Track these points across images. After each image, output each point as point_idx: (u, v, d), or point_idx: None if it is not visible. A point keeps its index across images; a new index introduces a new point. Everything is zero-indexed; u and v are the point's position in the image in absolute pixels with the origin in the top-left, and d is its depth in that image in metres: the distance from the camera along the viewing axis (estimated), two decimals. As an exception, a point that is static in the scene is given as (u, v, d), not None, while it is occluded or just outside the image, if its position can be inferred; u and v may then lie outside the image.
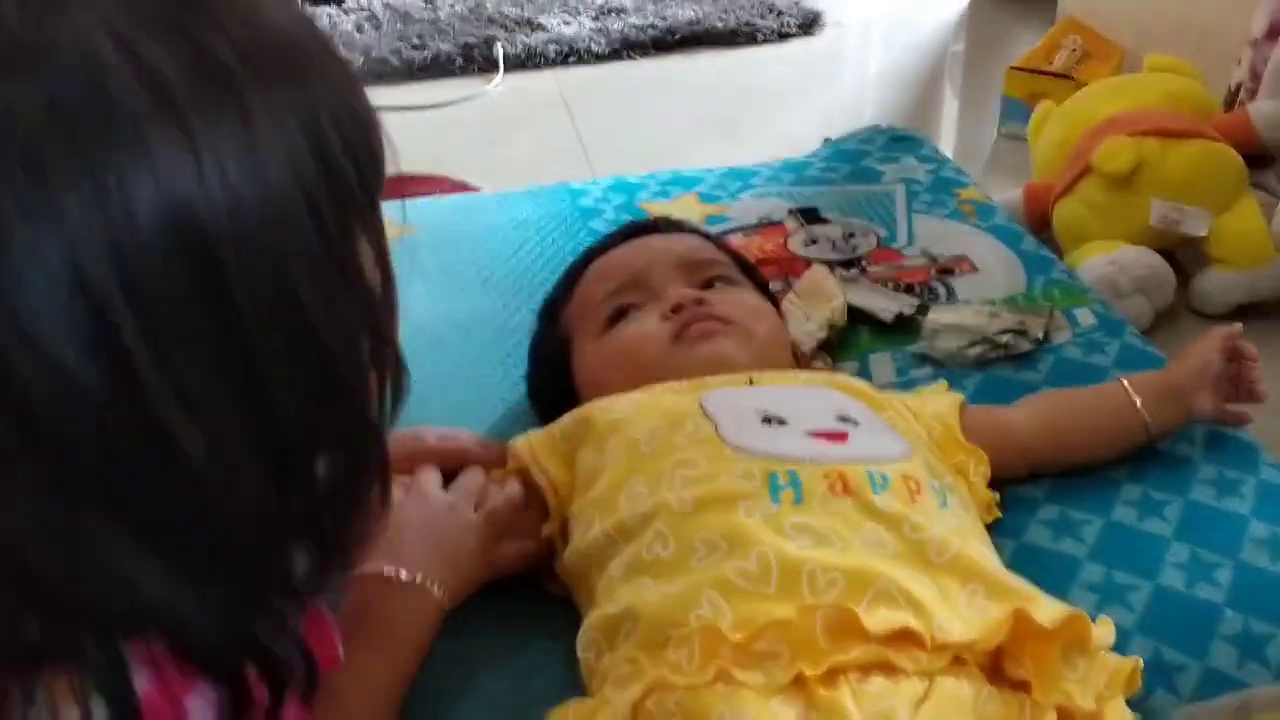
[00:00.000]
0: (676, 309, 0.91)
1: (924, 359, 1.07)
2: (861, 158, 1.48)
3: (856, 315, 1.12)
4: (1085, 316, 1.13)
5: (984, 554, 0.73)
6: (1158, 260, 1.28)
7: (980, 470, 0.86)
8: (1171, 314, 1.31)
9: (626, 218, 1.35)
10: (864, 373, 1.06)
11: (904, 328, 1.11)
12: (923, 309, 1.12)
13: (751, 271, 1.05)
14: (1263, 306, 1.30)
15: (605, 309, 0.96)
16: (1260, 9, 1.56)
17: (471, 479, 0.86)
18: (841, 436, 0.79)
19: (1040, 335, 1.08)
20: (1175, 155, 1.32)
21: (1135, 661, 0.71)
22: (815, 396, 0.86)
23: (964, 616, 0.67)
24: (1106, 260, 1.27)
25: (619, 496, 0.76)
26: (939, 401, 0.92)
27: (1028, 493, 0.91)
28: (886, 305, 1.12)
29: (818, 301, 1.11)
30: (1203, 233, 1.29)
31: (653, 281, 0.95)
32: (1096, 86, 1.58)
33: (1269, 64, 1.46)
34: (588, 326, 0.97)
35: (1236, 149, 1.36)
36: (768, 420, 0.79)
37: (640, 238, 1.03)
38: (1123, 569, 0.84)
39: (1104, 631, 0.71)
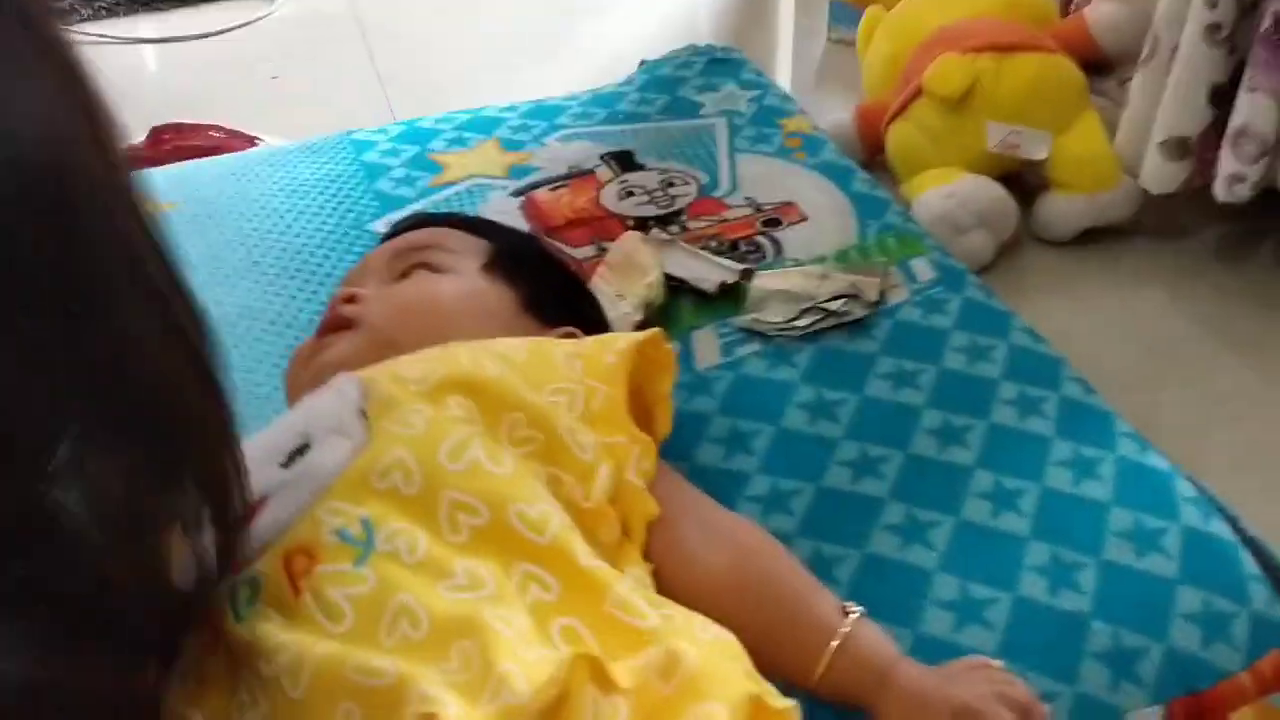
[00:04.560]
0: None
1: (751, 333, 0.96)
2: (678, 86, 1.35)
3: (675, 285, 1.00)
4: (923, 269, 1.03)
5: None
6: (999, 190, 1.18)
7: (643, 466, 0.64)
8: (1013, 242, 1.23)
9: (419, 175, 1.20)
10: (686, 354, 0.94)
11: (729, 296, 1.00)
12: (747, 273, 1.01)
13: (514, 249, 0.86)
14: (1107, 230, 1.23)
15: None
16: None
17: None
18: (254, 513, 0.57)
19: (875, 297, 0.97)
20: (1011, 73, 1.22)
21: None
22: (301, 410, 0.65)
23: None
24: (945, 193, 1.17)
25: None
26: (615, 347, 0.68)
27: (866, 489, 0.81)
28: (707, 274, 1.00)
29: (631, 276, 0.98)
30: (1043, 156, 1.20)
31: (353, 283, 0.81)
32: (926, -8, 1.46)
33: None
34: None
35: (1075, 58, 1.27)
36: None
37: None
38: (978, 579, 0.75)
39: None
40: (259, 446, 0.61)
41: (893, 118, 1.28)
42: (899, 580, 0.75)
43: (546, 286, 0.84)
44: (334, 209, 1.15)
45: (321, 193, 1.18)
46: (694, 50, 1.41)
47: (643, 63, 1.44)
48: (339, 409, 0.62)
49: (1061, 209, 1.21)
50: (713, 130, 1.25)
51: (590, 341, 0.69)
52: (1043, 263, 1.23)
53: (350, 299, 0.77)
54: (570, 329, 0.80)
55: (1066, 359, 0.93)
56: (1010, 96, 1.21)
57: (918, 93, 1.25)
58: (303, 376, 0.75)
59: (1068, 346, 0.95)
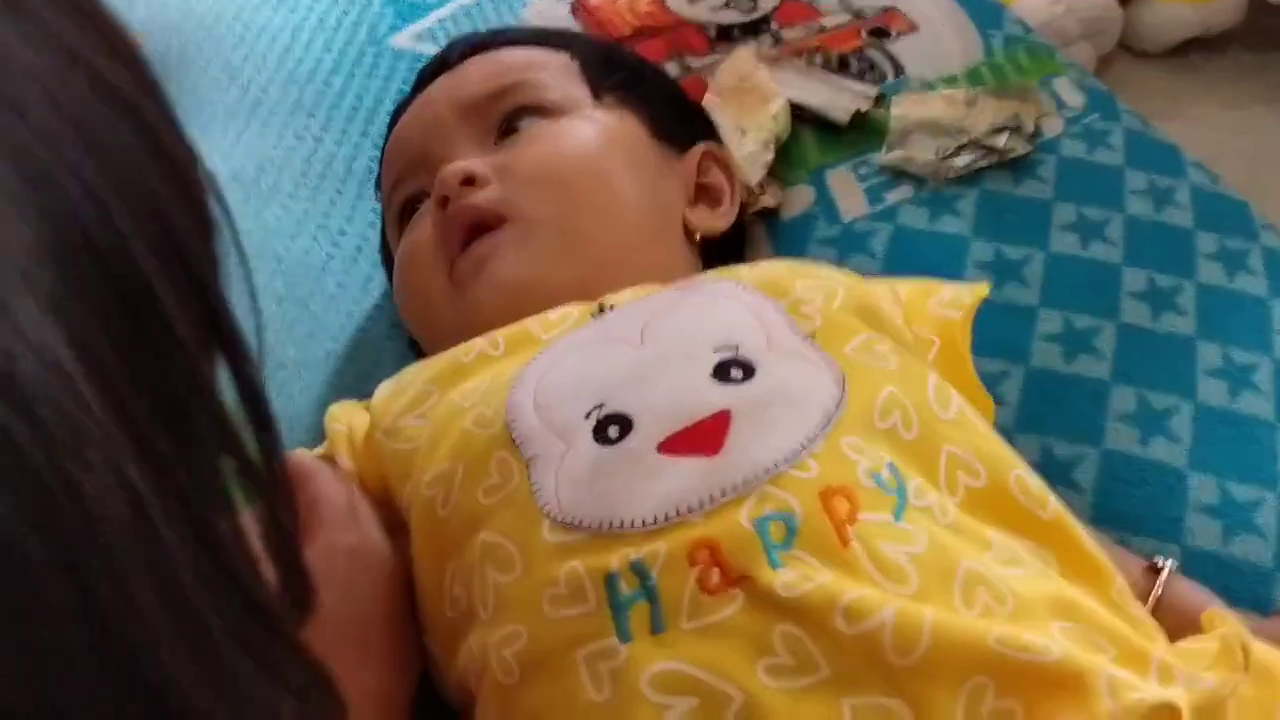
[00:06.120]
0: (441, 203, 0.62)
1: (898, 173, 0.81)
2: None
3: (795, 114, 0.84)
4: (1068, 92, 0.88)
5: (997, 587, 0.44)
6: (1108, -5, 1.04)
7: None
8: (1108, 54, 1.09)
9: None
10: (825, 200, 0.79)
11: (859, 127, 0.84)
12: (880, 99, 0.85)
13: (610, 63, 0.71)
14: (1205, 41, 1.10)
15: (394, 206, 0.68)
16: None
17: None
18: (713, 432, 0.47)
19: (1033, 128, 0.83)
20: None
21: None
22: (687, 319, 0.53)
23: None
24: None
25: (441, 607, 0.50)
26: (941, 296, 0.58)
27: (1085, 370, 0.69)
28: (835, 100, 0.84)
29: (749, 104, 0.82)
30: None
31: (434, 154, 0.65)
32: None
33: None
34: (391, 231, 0.69)
35: None
36: (604, 426, 0.48)
37: (430, 84, 0.70)
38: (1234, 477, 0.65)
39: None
40: (597, 343, 0.53)
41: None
42: (1151, 484, 0.64)
43: (665, 100, 0.71)
44: (339, 21, 0.94)
45: (319, 1, 0.96)
46: None
47: None
48: (761, 325, 0.52)
49: (1164, 17, 1.08)
50: (776, -85, 1.06)
51: (901, 281, 0.59)
52: (1139, 76, 1.10)
53: (469, 179, 0.60)
54: (710, 146, 0.70)
55: (1249, 202, 0.81)
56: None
57: None
58: (460, 304, 0.60)
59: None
